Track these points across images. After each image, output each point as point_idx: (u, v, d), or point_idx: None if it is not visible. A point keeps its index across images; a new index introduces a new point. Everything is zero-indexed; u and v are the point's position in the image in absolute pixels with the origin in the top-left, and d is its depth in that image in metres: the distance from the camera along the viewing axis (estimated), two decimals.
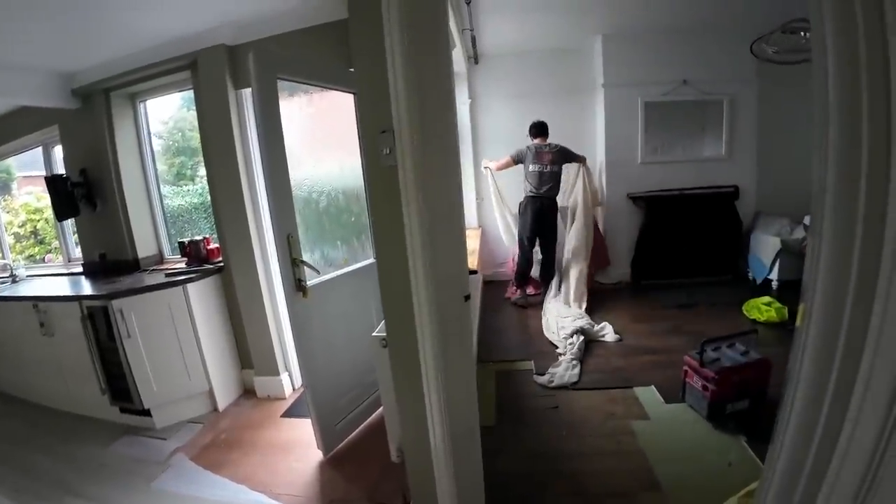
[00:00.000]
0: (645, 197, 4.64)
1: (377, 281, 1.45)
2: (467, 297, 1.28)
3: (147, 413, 2.68)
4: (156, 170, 3.39)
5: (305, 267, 2.01)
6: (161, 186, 3.44)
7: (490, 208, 4.71)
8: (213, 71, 2.69)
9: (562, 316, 3.69)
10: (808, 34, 2.75)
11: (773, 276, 4.29)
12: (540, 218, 4.15)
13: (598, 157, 4.84)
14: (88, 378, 2.68)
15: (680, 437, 2.26)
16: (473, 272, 2.70)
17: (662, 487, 1.89)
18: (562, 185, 4.28)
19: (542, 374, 2.90)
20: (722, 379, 2.26)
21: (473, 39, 3.89)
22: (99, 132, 3.09)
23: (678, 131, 4.77)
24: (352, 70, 1.88)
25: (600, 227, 4.71)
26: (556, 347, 3.26)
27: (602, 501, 1.85)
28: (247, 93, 2.75)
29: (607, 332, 3.44)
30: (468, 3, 3.01)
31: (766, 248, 4.36)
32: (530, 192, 4.14)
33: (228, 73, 2.70)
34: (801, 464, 0.85)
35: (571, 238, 4.41)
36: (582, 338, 3.27)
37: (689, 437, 2.25)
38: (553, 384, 2.78)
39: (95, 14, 2.20)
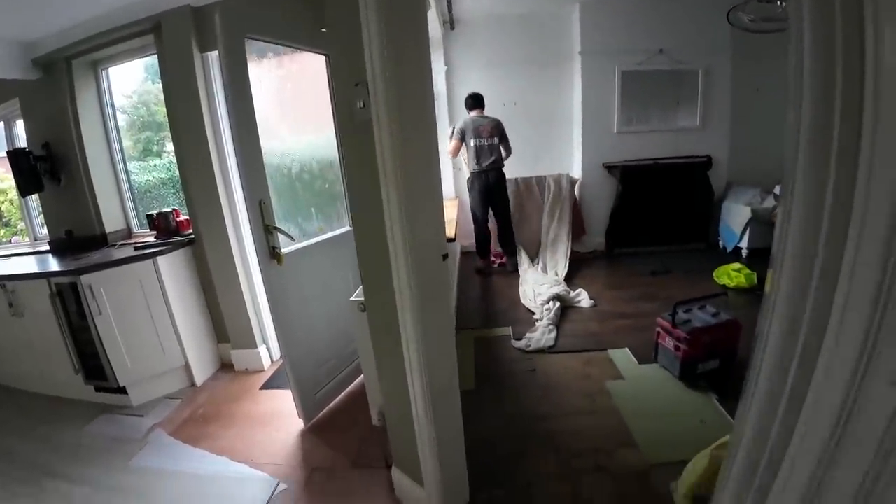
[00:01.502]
0: (620, 166, 4.68)
1: (354, 249, 1.42)
2: (445, 257, 1.26)
3: (123, 391, 2.62)
4: (120, 141, 3.24)
5: (279, 234, 1.95)
6: (127, 162, 3.29)
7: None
8: (178, 34, 2.55)
9: (539, 283, 3.74)
10: (784, 2, 2.75)
11: (744, 244, 4.43)
12: (488, 192, 4.15)
13: (574, 125, 4.83)
14: (61, 358, 2.60)
15: (653, 396, 2.33)
16: (451, 240, 2.69)
17: (637, 443, 1.96)
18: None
19: (520, 339, 2.95)
20: (693, 339, 2.33)
21: (449, 3, 3.78)
22: (61, 103, 2.92)
23: (653, 101, 4.78)
24: (324, 30, 1.80)
25: (577, 195, 4.74)
26: (534, 314, 3.31)
27: (579, 458, 1.90)
28: (213, 56, 2.62)
29: (582, 298, 3.50)
30: None
31: (736, 217, 4.49)
32: (474, 167, 4.12)
33: (194, 36, 2.56)
34: (772, 417, 0.88)
35: (551, 208, 4.44)
36: (558, 304, 3.32)
37: (662, 396, 2.33)
38: (530, 348, 2.83)
39: None
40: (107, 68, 3.08)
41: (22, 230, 3.93)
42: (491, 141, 4.06)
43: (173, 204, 3.38)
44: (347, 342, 2.44)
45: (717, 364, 2.40)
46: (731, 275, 3.71)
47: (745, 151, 4.83)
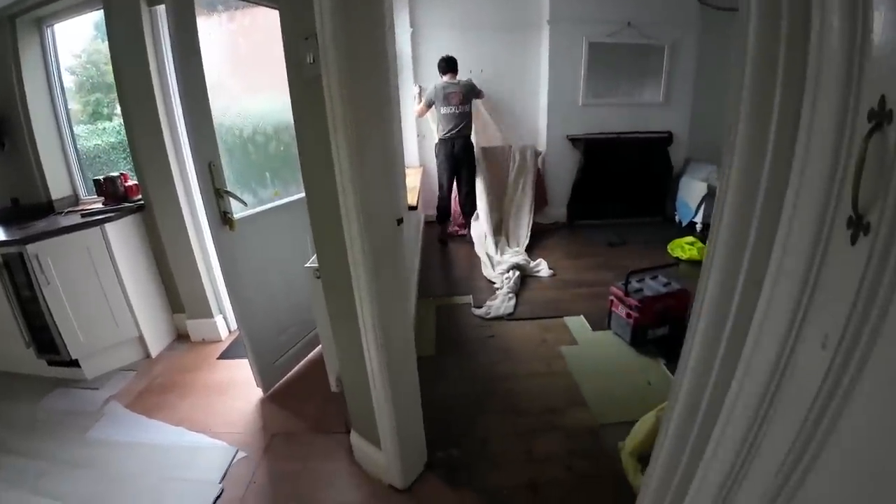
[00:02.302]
0: (584, 139, 4.72)
1: None
2: (400, 221, 1.25)
3: (76, 364, 2.53)
4: (66, 103, 3.01)
5: (230, 198, 1.88)
6: (74, 125, 3.09)
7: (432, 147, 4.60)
8: None
9: (500, 253, 3.79)
10: None
11: (698, 218, 4.60)
12: (454, 159, 4.14)
13: (540, 96, 4.81)
14: (11, 332, 2.45)
15: (605, 360, 2.44)
16: (413, 208, 2.67)
17: (588, 403, 2.06)
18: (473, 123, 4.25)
19: (480, 307, 3.00)
20: (644, 307, 2.44)
21: None
22: (4, 63, 2.68)
23: (620, 75, 4.80)
24: None
25: (541, 167, 4.77)
26: (494, 283, 3.37)
27: (534, 417, 1.99)
28: (161, 10, 2.44)
29: (542, 268, 3.59)
30: None
31: (693, 192, 4.64)
32: (443, 134, 4.10)
33: None
34: (706, 379, 0.93)
35: (515, 179, 4.46)
36: (518, 273, 3.39)
37: (614, 360, 2.44)
38: (490, 315, 2.89)
39: None
40: (52, 25, 2.84)
41: None
42: (462, 108, 4.01)
43: (124, 169, 3.20)
44: (308, 309, 2.41)
45: (666, 331, 2.52)
46: (685, 247, 3.87)
47: (704, 128, 4.96)
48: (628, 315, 2.50)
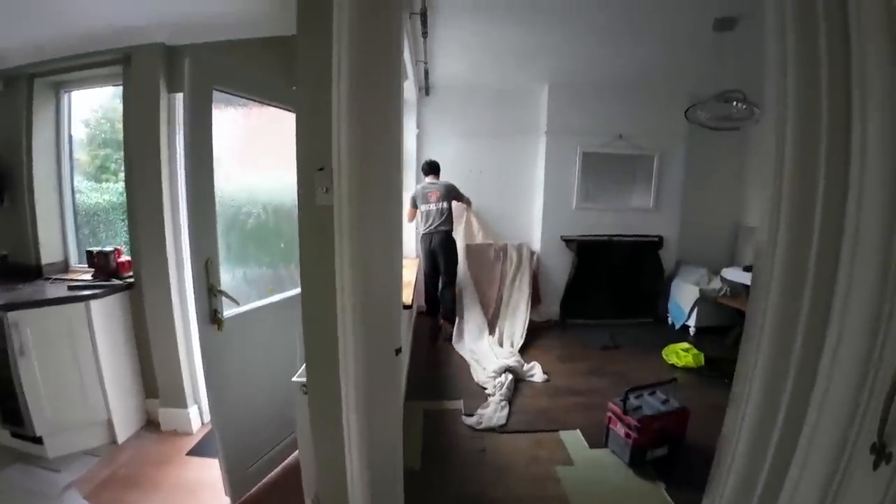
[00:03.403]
0: (577, 240, 4.83)
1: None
2: (398, 351, 1.19)
3: (39, 441, 2.35)
4: (72, 168, 3.06)
5: (223, 297, 1.83)
6: (76, 183, 3.10)
7: None
8: (147, 70, 2.49)
9: (494, 355, 3.69)
10: (739, 104, 3.03)
11: (691, 322, 4.61)
12: (433, 254, 4.25)
13: (536, 198, 5.00)
14: None
15: (602, 483, 2.28)
16: (407, 307, 2.63)
17: None
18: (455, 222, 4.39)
19: (471, 416, 2.84)
20: (643, 427, 2.32)
21: (426, 72, 3.93)
22: (16, 121, 2.75)
23: (611, 181, 5.06)
24: (295, 88, 1.79)
25: (535, 267, 4.83)
26: (485, 389, 3.22)
27: None
28: (181, 97, 2.55)
29: (536, 373, 3.47)
30: (424, 37, 3.03)
31: (685, 295, 4.69)
32: (423, 230, 4.27)
33: (163, 74, 2.50)
34: None
35: (512, 278, 4.50)
36: (511, 377, 3.27)
37: (611, 484, 2.28)
38: (482, 426, 2.73)
39: None
40: (69, 91, 2.96)
41: None
42: (439, 205, 4.18)
43: (121, 232, 3.16)
44: (289, 414, 2.26)
45: (665, 451, 2.40)
46: (680, 354, 3.81)
47: (694, 233, 5.14)
48: (627, 435, 2.38)
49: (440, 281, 4.34)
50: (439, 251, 4.21)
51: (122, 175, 3.22)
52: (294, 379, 1.68)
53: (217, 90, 1.89)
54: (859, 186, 0.65)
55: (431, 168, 4.33)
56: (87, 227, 3.18)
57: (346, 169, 0.97)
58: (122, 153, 2.76)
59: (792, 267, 0.74)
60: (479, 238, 4.76)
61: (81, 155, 3.23)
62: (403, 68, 2.62)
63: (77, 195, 3.12)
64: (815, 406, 0.72)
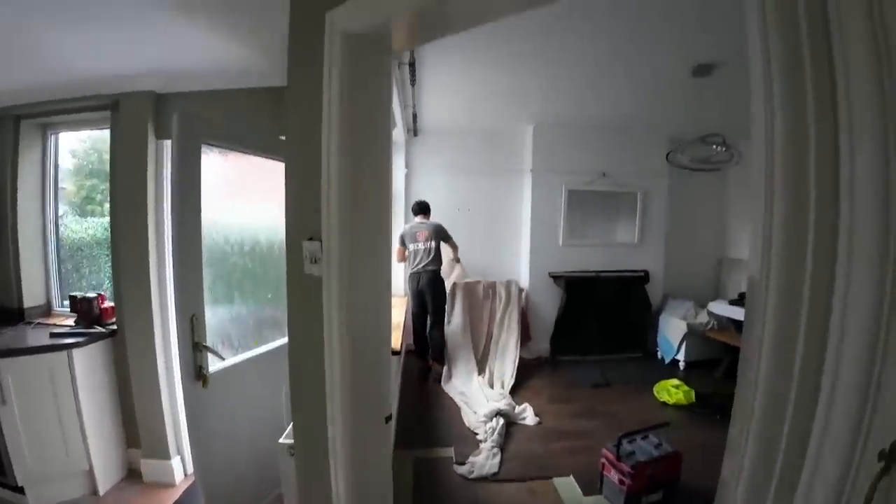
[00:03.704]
0: (565, 276, 4.86)
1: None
2: (388, 419, 1.17)
3: (21, 490, 2.28)
4: (57, 206, 3.03)
5: (208, 353, 1.79)
6: (62, 213, 3.08)
7: None
8: (136, 116, 2.50)
9: (485, 397, 3.64)
10: (720, 147, 3.13)
11: (681, 356, 4.62)
12: (420, 294, 4.23)
13: (523, 235, 5.06)
14: None
15: None
16: (396, 353, 2.59)
17: None
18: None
19: (463, 464, 2.77)
20: (637, 473, 2.30)
21: (414, 115, 4.01)
22: (1, 161, 2.74)
23: (596, 218, 5.15)
24: (284, 139, 1.81)
25: (524, 304, 4.83)
26: (477, 434, 3.15)
27: None
28: (169, 144, 2.55)
29: (528, 416, 3.41)
30: (413, 85, 3.11)
31: (673, 330, 4.72)
32: (410, 270, 4.26)
33: (152, 121, 2.52)
34: None
35: (501, 317, 4.49)
36: (502, 421, 3.20)
37: None
38: (473, 475, 2.66)
39: (14, 36, 1.95)
40: (57, 133, 2.97)
41: None
42: (426, 245, 4.18)
43: (105, 267, 3.10)
44: (275, 470, 2.18)
45: (660, 496, 2.39)
46: (671, 391, 3.79)
47: (679, 267, 5.22)
48: (621, 481, 2.34)
49: (428, 320, 4.31)
50: (427, 290, 4.20)
51: (107, 206, 3.20)
52: (281, 441, 1.64)
53: (206, 143, 1.90)
54: (850, 221, 0.66)
55: (421, 208, 4.34)
56: (70, 261, 3.13)
57: (336, 242, 0.98)
58: (107, 184, 2.75)
59: (782, 345, 0.75)
60: (466, 278, 4.75)
61: (68, 185, 3.20)
62: (392, 117, 2.68)
63: (62, 229, 3.08)
64: (813, 449, 0.70)
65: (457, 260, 4.45)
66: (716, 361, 4.47)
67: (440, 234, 4.26)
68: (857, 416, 0.59)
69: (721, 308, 4.52)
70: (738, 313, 4.22)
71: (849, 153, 0.64)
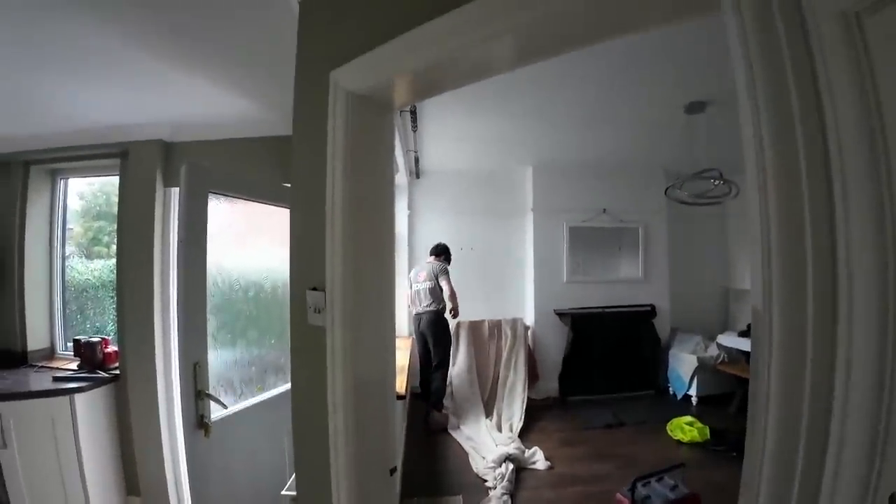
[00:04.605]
0: (570, 314, 4.82)
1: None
2: (393, 471, 1.15)
3: None
4: (64, 249, 3.08)
5: (211, 400, 1.77)
6: (68, 254, 3.11)
7: None
8: (144, 164, 2.59)
9: (493, 441, 3.54)
10: (717, 182, 3.17)
11: (693, 391, 4.50)
12: (422, 336, 4.18)
13: (527, 273, 5.06)
14: None
15: None
16: (401, 397, 2.54)
17: None
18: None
19: None
20: None
21: (416, 159, 4.11)
22: (10, 207, 2.80)
23: (599, 254, 5.14)
24: (289, 186, 1.86)
25: (530, 342, 4.78)
26: (486, 481, 3.03)
27: None
28: (176, 192, 2.62)
29: (538, 460, 3.29)
30: (414, 131, 3.20)
31: (683, 364, 4.63)
32: (413, 311, 4.23)
33: (160, 170, 2.60)
34: None
35: (508, 357, 4.43)
36: (512, 466, 3.09)
37: None
38: None
39: (35, 90, 2.05)
40: (66, 178, 3.04)
41: None
42: (426, 284, 4.14)
43: (109, 309, 3.11)
44: None
45: None
46: (685, 429, 3.69)
47: (685, 300, 5.18)
48: None
49: (431, 362, 4.22)
50: (428, 332, 4.13)
51: (114, 248, 3.24)
52: (283, 492, 1.60)
53: (213, 193, 1.95)
54: (846, 245, 0.66)
55: (434, 251, 4.29)
56: (74, 303, 3.13)
57: (340, 293, 0.99)
58: (114, 226, 2.80)
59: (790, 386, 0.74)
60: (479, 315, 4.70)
61: (75, 226, 3.25)
62: (395, 162, 2.75)
63: (68, 271, 3.11)
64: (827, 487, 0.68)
65: (452, 312, 4.15)
66: (729, 395, 4.36)
67: (438, 273, 4.17)
68: (868, 461, 0.57)
69: (730, 340, 4.45)
70: (747, 345, 4.14)
71: (841, 188, 0.66)
